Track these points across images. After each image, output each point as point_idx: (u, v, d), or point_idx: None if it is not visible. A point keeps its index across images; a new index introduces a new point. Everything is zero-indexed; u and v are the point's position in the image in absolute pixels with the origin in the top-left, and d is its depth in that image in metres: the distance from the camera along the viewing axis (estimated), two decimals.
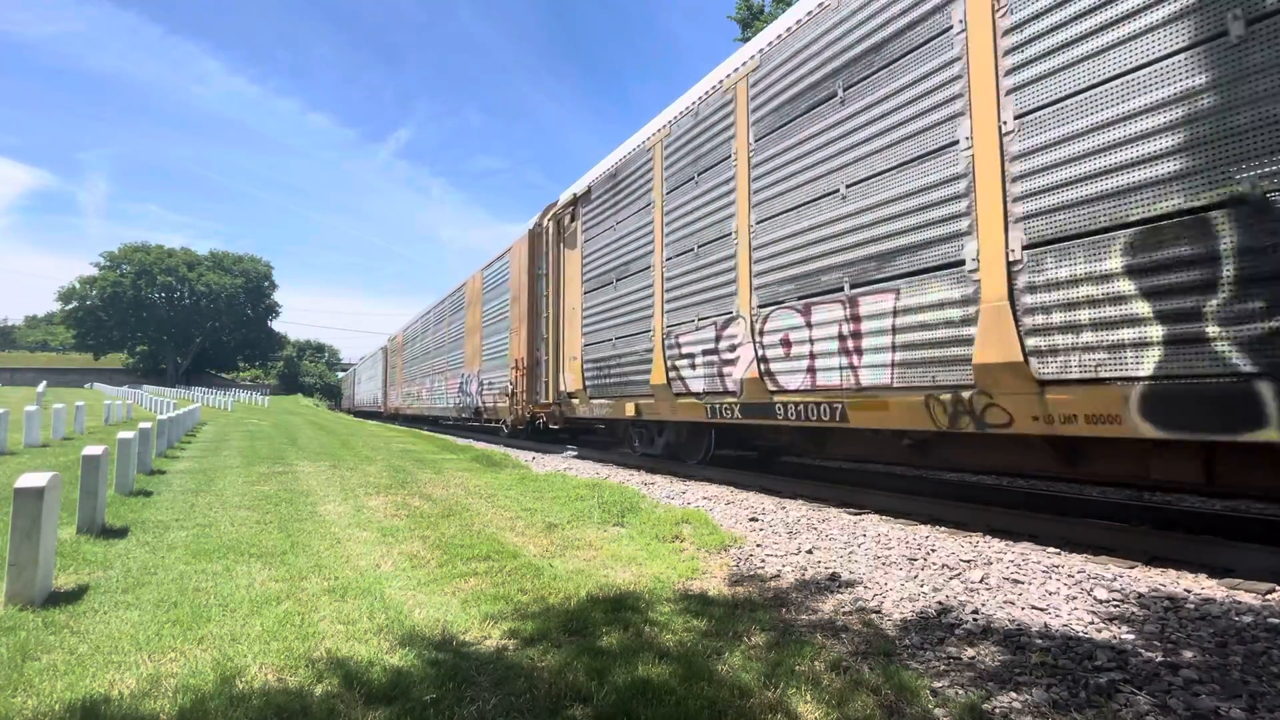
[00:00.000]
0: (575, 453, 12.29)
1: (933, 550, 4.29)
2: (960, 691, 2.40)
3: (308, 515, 5.79)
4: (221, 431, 17.41)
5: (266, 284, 79.20)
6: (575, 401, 10.63)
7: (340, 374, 74.99)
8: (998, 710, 2.26)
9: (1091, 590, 3.42)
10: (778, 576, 3.94)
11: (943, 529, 5.13)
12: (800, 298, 5.98)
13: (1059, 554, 4.21)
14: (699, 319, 7.41)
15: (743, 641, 2.89)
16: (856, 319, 5.38)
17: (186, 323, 72.65)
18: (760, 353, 6.41)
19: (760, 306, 6.47)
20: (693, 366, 7.52)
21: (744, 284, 6.70)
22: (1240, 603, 3.21)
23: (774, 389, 6.29)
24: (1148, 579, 3.63)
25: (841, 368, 5.52)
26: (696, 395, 7.47)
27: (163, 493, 6.87)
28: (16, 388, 43.81)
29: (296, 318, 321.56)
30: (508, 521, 5.59)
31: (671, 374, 7.90)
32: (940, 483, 7.34)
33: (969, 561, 4.02)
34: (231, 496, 6.73)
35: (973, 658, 2.70)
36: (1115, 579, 3.60)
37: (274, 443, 14.22)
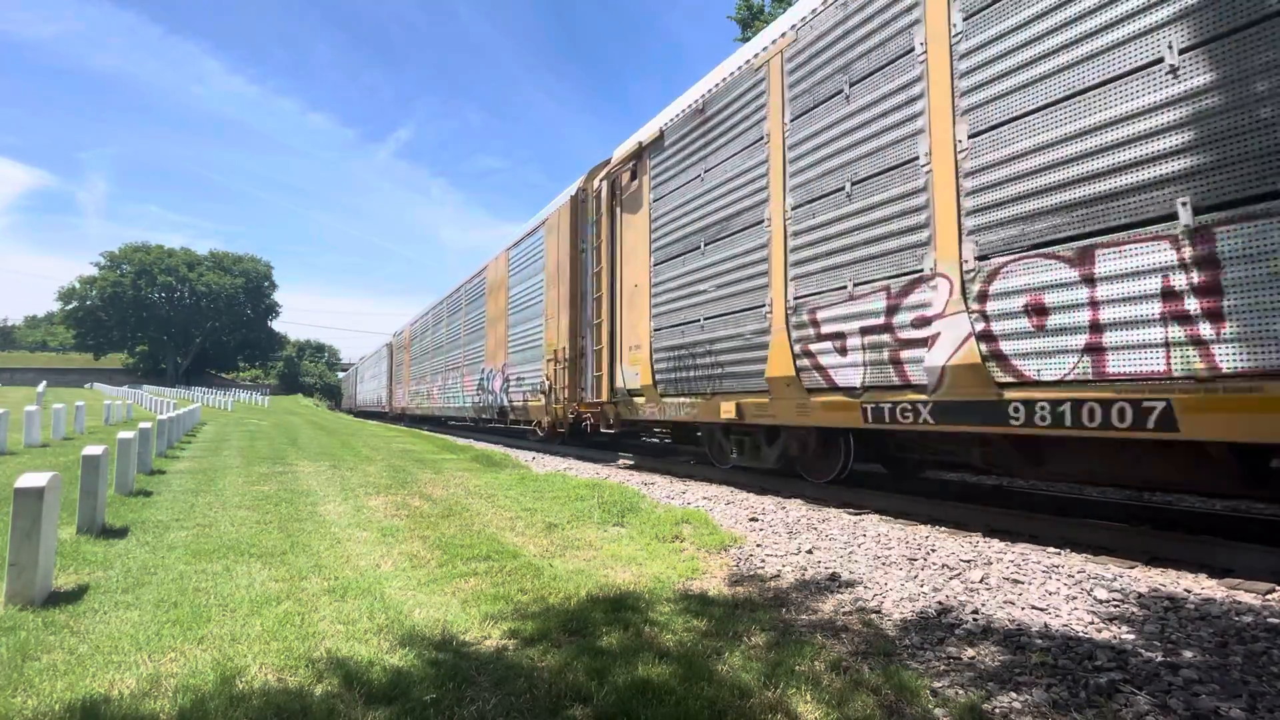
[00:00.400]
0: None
1: (933, 550, 4.30)
2: (960, 691, 2.41)
3: (308, 515, 5.79)
4: (221, 431, 17.40)
5: (266, 284, 79.35)
6: (640, 400, 8.73)
7: (340, 374, 74.98)
8: (998, 710, 2.27)
9: (1091, 590, 3.43)
10: (778, 576, 3.94)
11: (943, 529, 5.13)
12: (1069, 239, 4.12)
13: (1059, 554, 4.21)
14: (854, 284, 5.56)
15: (743, 641, 2.89)
16: (1208, 263, 3.50)
17: (186, 323, 72.76)
18: (981, 326, 4.58)
19: (981, 258, 4.61)
20: (841, 351, 5.68)
21: (945, 228, 4.81)
22: (1240, 603, 3.22)
23: (1008, 379, 4.45)
24: (1148, 579, 3.64)
25: (1170, 344, 3.67)
26: (847, 391, 5.63)
27: (163, 493, 6.87)
28: (16, 388, 43.80)
29: (296, 318, 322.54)
30: (508, 521, 5.59)
31: (802, 362, 6.05)
32: (940, 483, 7.35)
33: (969, 561, 4.02)
34: (231, 496, 6.73)
35: (973, 658, 2.70)
36: (1115, 579, 3.61)
37: (274, 443, 14.22)
